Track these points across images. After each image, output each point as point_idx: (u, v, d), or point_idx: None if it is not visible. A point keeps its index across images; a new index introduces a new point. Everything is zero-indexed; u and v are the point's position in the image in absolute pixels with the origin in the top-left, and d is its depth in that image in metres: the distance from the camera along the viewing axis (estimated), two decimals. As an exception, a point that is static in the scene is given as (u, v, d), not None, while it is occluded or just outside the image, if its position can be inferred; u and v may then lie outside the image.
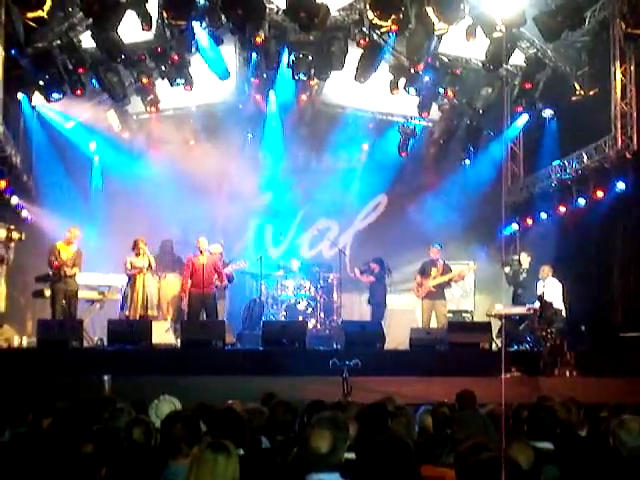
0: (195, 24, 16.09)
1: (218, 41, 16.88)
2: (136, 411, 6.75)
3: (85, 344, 14.37)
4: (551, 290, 15.59)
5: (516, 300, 16.98)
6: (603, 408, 7.95)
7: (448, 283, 17.29)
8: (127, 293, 15.98)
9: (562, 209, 17.55)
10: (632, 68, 15.54)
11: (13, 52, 15.29)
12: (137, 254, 15.89)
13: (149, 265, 15.97)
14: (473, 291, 19.47)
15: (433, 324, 16.71)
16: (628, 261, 15.92)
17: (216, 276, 16.07)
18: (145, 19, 15.57)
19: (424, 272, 17.03)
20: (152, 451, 5.67)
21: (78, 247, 15.50)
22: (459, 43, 16.96)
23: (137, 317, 15.71)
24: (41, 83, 16.35)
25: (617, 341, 14.55)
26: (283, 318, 17.44)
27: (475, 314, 18.91)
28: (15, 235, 15.32)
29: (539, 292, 15.60)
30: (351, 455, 4.96)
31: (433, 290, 16.84)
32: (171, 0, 14.83)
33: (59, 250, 15.30)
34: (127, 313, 15.87)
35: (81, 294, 16.17)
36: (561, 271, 16.16)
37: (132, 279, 15.94)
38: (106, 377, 11.51)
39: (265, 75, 18.61)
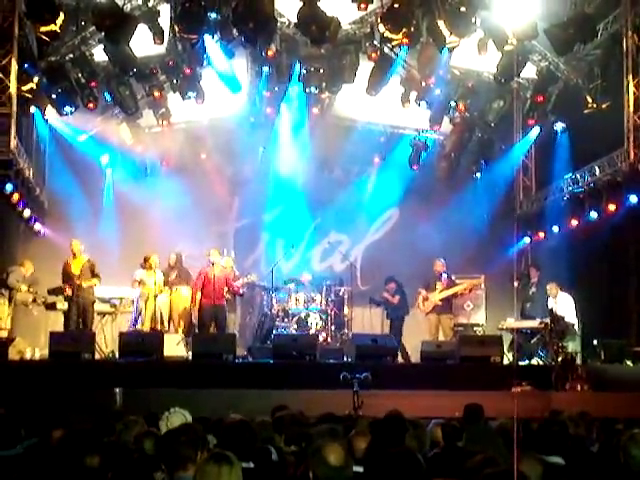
0: (207, 37, 16.13)
1: (230, 54, 16.95)
2: (147, 423, 6.76)
3: (97, 356, 14.40)
4: (563, 305, 15.55)
5: (524, 314, 16.91)
6: (616, 423, 7.90)
7: (455, 296, 17.25)
8: (140, 308, 16.05)
9: (574, 222, 17.46)
10: (645, 81, 15.52)
11: (26, 66, 15.42)
12: (148, 268, 15.97)
13: (156, 281, 16.04)
14: (484, 304, 19.38)
15: (440, 338, 16.65)
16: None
17: (227, 289, 16.16)
18: (157, 33, 15.69)
19: (428, 286, 16.99)
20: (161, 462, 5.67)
21: (88, 258, 15.57)
22: (470, 56, 16.99)
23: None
24: (54, 97, 16.47)
25: (630, 355, 14.48)
26: (294, 331, 17.39)
27: (486, 328, 18.82)
28: None
29: (550, 307, 15.55)
30: (359, 469, 4.93)
31: (439, 304, 16.79)
32: (183, 14, 14.91)
33: (70, 265, 15.44)
34: (139, 327, 15.98)
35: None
36: (573, 285, 16.09)
37: (143, 294, 16.03)
38: (117, 390, 11.53)
39: (276, 88, 18.64)
